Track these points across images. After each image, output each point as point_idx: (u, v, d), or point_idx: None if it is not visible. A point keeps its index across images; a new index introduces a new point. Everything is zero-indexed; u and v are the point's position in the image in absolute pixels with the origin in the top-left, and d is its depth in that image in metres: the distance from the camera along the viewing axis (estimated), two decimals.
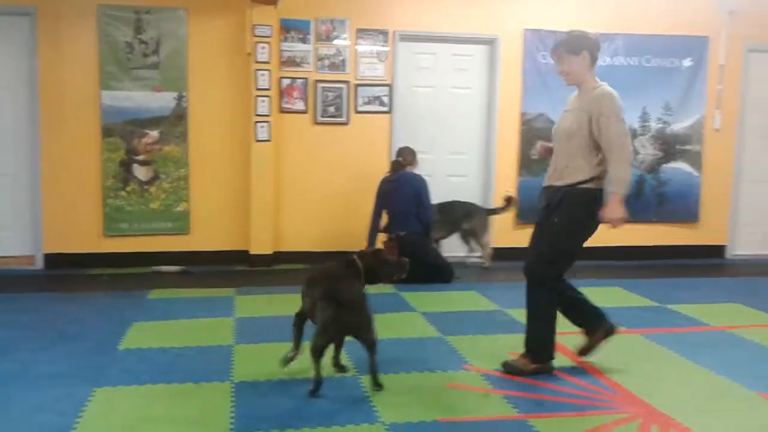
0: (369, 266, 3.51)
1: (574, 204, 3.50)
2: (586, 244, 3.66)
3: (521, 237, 6.83)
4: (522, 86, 6.77)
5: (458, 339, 4.30)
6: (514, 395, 3.35)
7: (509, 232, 6.86)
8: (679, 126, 7.09)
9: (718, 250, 7.37)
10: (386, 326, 4.60)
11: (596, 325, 3.75)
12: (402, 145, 6.36)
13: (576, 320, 3.78)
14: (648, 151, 7.07)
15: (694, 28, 7.00)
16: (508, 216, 6.82)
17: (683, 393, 3.49)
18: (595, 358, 3.83)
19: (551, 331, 3.66)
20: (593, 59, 3.57)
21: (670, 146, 7.10)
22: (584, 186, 3.50)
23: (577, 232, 3.58)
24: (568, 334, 3.77)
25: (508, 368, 3.68)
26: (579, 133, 3.48)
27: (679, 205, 7.19)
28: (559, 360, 3.87)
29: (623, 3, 6.89)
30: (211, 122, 6.39)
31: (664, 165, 7.12)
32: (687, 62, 7.00)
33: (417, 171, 6.21)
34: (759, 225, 7.40)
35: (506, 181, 6.86)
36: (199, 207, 6.45)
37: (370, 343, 3.26)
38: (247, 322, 4.62)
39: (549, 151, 3.80)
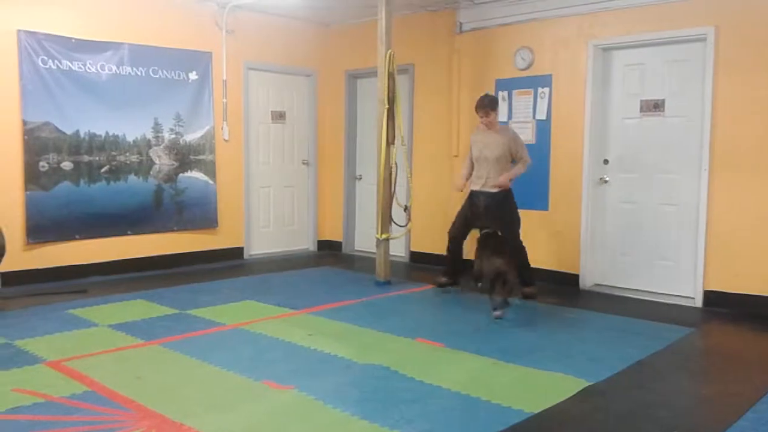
0: None
1: (510, 198, 5.93)
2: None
3: (33, 259, 6.29)
4: (21, 92, 6.15)
5: None
6: None
7: (19, 255, 6.20)
8: (191, 137, 7.39)
9: (237, 252, 7.95)
10: None
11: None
12: None
13: (456, 265, 6.31)
14: (164, 162, 7.18)
15: (198, 43, 7.37)
16: (17, 236, 6.15)
17: (196, 395, 3.61)
18: (108, 380, 3.73)
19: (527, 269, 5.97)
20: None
21: (185, 156, 7.35)
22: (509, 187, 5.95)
23: (517, 210, 5.99)
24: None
25: (528, 296, 5.87)
26: (503, 157, 5.86)
27: (198, 213, 7.50)
28: (72, 387, 3.64)
29: (128, 12, 6.82)
30: None
31: (181, 174, 7.34)
32: (193, 75, 7.33)
33: None
34: (267, 226, 8.26)
35: (9, 195, 6.16)
36: None
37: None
38: None
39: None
